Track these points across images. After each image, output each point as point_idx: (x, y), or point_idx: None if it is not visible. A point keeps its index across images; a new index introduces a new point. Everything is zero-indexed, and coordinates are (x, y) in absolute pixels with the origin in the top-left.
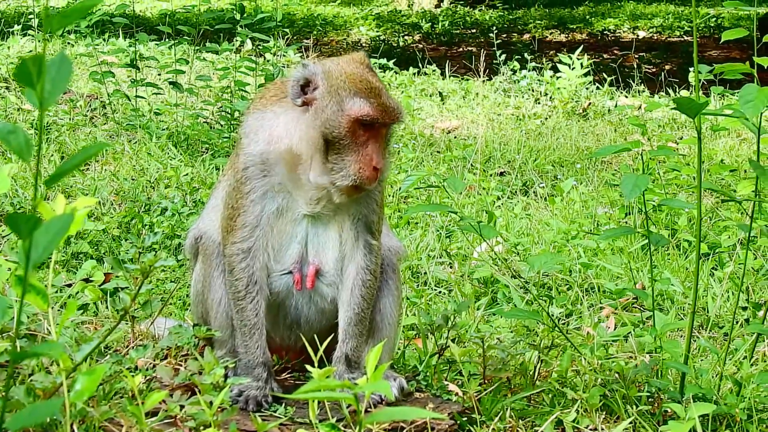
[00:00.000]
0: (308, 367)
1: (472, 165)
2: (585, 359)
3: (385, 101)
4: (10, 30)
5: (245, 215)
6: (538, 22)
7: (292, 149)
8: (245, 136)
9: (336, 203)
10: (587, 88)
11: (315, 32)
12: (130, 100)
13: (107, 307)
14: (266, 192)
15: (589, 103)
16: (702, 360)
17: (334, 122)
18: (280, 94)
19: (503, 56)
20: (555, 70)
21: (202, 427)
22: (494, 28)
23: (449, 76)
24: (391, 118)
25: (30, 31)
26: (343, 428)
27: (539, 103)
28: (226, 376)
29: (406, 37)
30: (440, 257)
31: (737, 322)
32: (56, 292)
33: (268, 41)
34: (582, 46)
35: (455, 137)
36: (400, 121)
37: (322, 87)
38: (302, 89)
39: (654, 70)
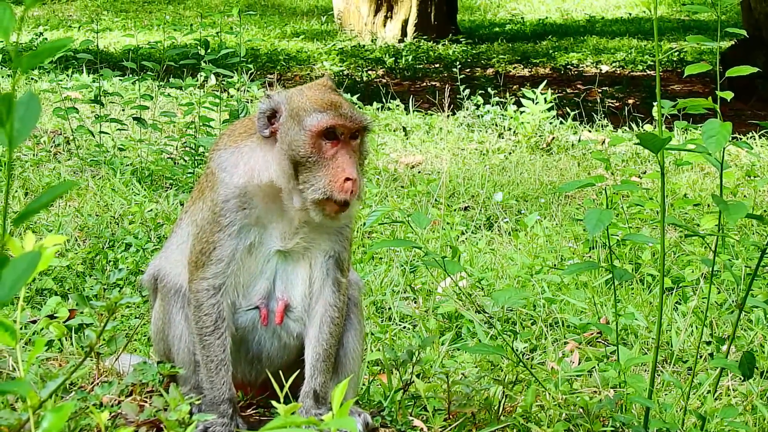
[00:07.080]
0: (274, 403)
1: (436, 200)
2: (549, 394)
3: (345, 111)
4: None
5: (221, 249)
6: (502, 56)
7: (272, 181)
8: (222, 170)
9: (310, 239)
10: (551, 123)
11: (279, 67)
12: (94, 136)
13: (72, 344)
14: (243, 226)
15: (553, 138)
16: (666, 394)
17: (297, 142)
18: (249, 130)
19: (467, 91)
20: (518, 104)
21: None
22: (458, 62)
23: (413, 111)
24: (353, 125)
25: None
26: None
27: (503, 137)
28: (191, 413)
29: (369, 72)
30: (404, 292)
31: (701, 357)
32: (21, 328)
33: (232, 76)
34: (545, 81)
35: (419, 172)
36: (365, 128)
37: (284, 113)
38: (269, 120)
39: (617, 104)
